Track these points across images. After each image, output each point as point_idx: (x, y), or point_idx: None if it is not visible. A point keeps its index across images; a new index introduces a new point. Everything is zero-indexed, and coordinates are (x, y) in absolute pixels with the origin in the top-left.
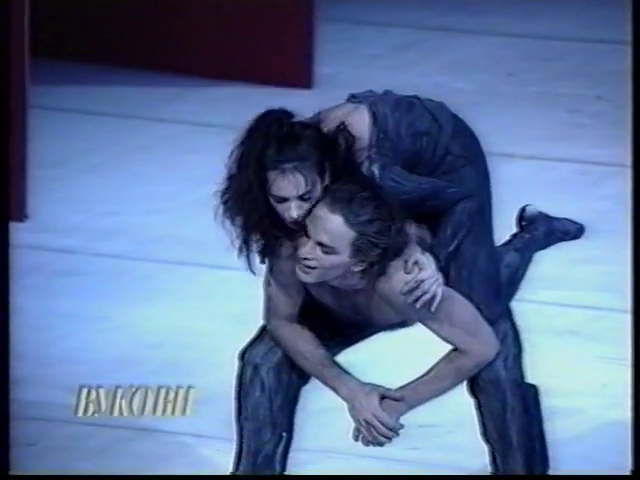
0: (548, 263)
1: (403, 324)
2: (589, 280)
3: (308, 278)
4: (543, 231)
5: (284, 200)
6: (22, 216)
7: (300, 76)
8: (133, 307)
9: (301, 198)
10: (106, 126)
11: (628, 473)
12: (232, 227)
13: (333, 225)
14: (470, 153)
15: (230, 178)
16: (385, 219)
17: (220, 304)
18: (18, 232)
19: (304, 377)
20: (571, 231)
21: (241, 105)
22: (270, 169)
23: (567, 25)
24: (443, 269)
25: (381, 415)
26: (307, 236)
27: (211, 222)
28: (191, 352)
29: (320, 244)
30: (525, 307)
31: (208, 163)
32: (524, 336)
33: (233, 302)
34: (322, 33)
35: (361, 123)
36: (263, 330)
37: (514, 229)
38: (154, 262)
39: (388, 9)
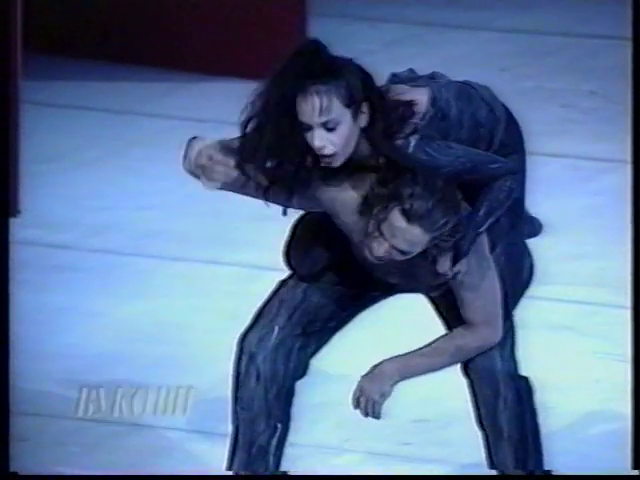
0: (542, 258)
1: (434, 288)
2: (583, 275)
3: (378, 262)
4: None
5: (308, 128)
6: (15, 211)
7: None
8: (127, 302)
9: (325, 127)
10: (99, 121)
11: (629, 473)
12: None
13: (412, 236)
14: (518, 143)
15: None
16: (456, 212)
17: (215, 299)
18: (10, 227)
19: (300, 368)
20: (538, 232)
21: (234, 100)
22: (297, 92)
23: (561, 20)
24: (467, 253)
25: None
26: (380, 234)
27: (205, 217)
28: (185, 347)
29: (396, 248)
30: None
31: None
32: (518, 331)
33: (228, 297)
34: (315, 28)
35: (420, 101)
36: (258, 316)
37: None
38: (148, 257)
39: (382, 4)
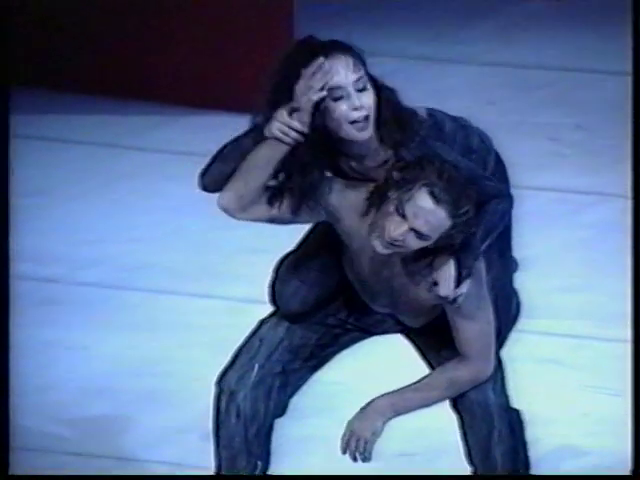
0: (528, 291)
1: (420, 315)
2: (569, 308)
3: (385, 252)
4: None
5: (340, 95)
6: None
7: None
8: (115, 336)
9: (356, 88)
10: (87, 155)
11: (628, 473)
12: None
13: (437, 218)
14: (504, 180)
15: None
16: (474, 205)
17: (200, 333)
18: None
19: (280, 407)
20: (514, 270)
21: (222, 133)
22: (318, 56)
23: (546, 54)
24: (469, 275)
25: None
26: (400, 215)
27: (193, 250)
28: (171, 381)
29: (416, 231)
30: None
31: (188, 192)
32: (505, 365)
33: (213, 331)
34: None
35: (419, 111)
36: (238, 355)
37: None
38: (135, 291)
39: (368, 38)
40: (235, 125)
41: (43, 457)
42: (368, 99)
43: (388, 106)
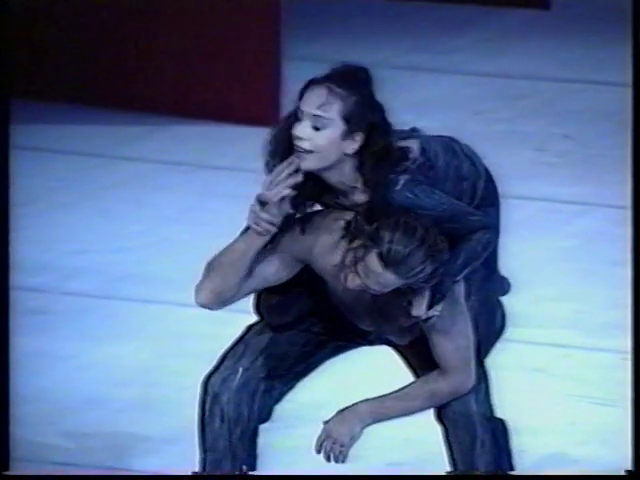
0: (515, 301)
1: (405, 333)
2: (557, 318)
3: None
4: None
5: (299, 119)
6: None
7: (268, 114)
8: (100, 345)
9: (313, 123)
10: (74, 165)
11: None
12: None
13: (386, 280)
14: (495, 198)
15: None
16: (434, 260)
17: (187, 342)
18: None
19: (264, 412)
20: (506, 292)
21: (208, 143)
22: (311, 83)
23: (533, 64)
24: (443, 299)
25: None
26: (355, 271)
27: (178, 260)
28: (157, 390)
29: (369, 287)
30: None
31: (176, 201)
32: (492, 374)
33: (199, 340)
34: (290, 71)
35: (412, 149)
36: (223, 358)
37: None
38: (122, 300)
39: (354, 47)
40: (220, 135)
41: (30, 466)
42: (319, 139)
43: (373, 147)
